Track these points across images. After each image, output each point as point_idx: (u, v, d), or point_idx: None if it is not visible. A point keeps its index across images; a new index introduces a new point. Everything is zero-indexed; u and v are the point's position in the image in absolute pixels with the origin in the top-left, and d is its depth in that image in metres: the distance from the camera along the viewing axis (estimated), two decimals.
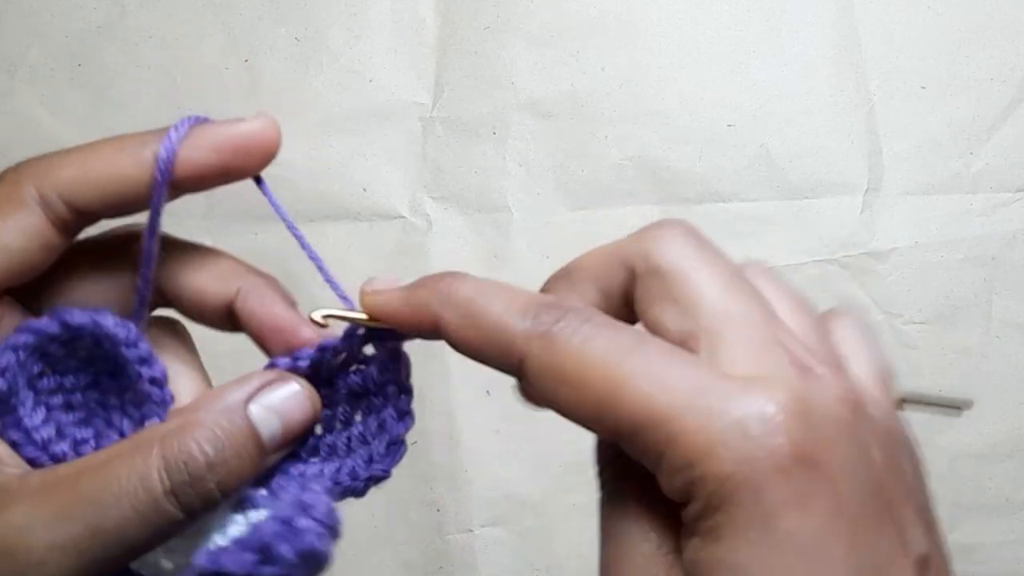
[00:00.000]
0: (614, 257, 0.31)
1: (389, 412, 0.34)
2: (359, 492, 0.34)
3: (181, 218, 0.71)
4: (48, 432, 0.32)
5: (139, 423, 0.33)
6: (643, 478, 0.28)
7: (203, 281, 0.35)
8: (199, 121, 0.33)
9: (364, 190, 0.73)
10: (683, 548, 0.27)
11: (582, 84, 0.73)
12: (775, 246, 0.71)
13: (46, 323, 0.32)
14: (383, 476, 0.34)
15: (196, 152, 0.33)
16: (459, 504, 0.69)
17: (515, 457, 0.68)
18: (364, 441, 0.35)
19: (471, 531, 0.69)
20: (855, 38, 0.72)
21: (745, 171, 0.71)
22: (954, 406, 0.31)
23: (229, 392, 0.32)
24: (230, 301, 0.35)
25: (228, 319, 0.35)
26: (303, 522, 0.30)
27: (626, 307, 0.31)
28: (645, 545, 0.28)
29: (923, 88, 0.72)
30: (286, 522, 0.30)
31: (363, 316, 0.34)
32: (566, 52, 0.73)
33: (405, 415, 0.34)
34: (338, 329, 0.35)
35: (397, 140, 0.73)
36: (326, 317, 0.34)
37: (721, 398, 0.26)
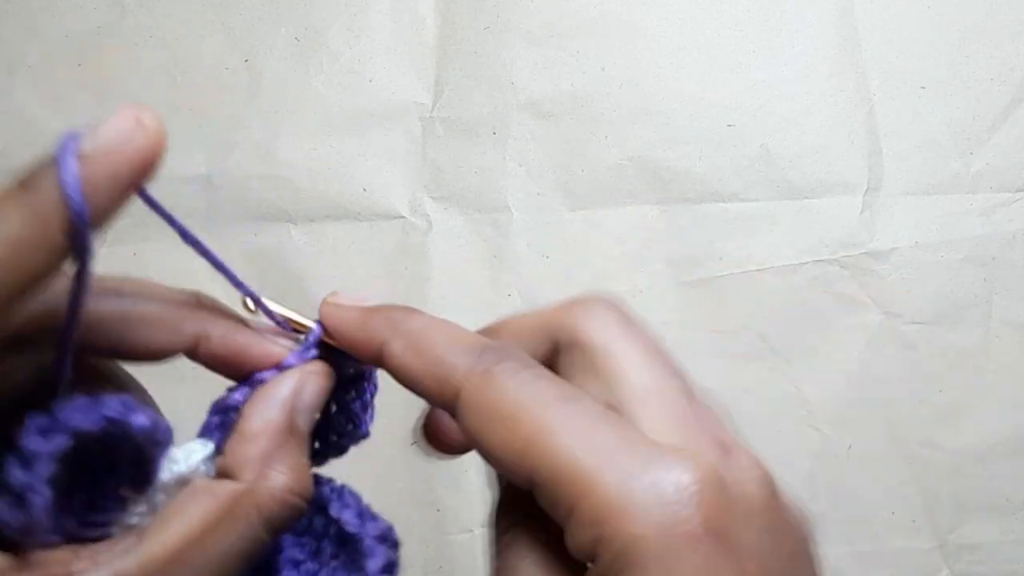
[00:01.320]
0: (539, 326, 0.32)
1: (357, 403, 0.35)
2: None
3: (181, 218, 0.71)
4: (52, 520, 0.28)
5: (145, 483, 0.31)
6: (542, 533, 0.29)
7: (154, 336, 0.31)
8: (69, 140, 0.26)
9: (364, 190, 0.73)
10: None
11: (582, 84, 0.73)
12: (775, 246, 0.71)
13: (83, 419, 0.28)
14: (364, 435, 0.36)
15: (101, 193, 0.26)
16: (459, 504, 0.69)
17: None
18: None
19: (471, 531, 0.69)
20: (855, 38, 0.72)
21: (745, 171, 0.71)
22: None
23: (274, 413, 0.32)
24: (187, 350, 0.32)
25: (188, 356, 0.33)
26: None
27: None
28: None
29: (923, 88, 0.72)
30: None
31: (311, 324, 0.33)
32: (566, 52, 0.73)
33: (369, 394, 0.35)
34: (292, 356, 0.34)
35: (397, 140, 0.73)
36: (285, 319, 0.33)
37: (642, 461, 0.26)
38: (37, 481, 0.26)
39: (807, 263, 0.71)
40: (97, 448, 0.29)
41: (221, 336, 0.32)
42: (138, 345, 0.31)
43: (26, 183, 0.25)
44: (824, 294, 0.70)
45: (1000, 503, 0.69)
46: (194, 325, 0.32)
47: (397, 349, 0.31)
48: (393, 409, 0.69)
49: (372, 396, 0.36)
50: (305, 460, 0.32)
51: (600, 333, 0.30)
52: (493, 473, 0.33)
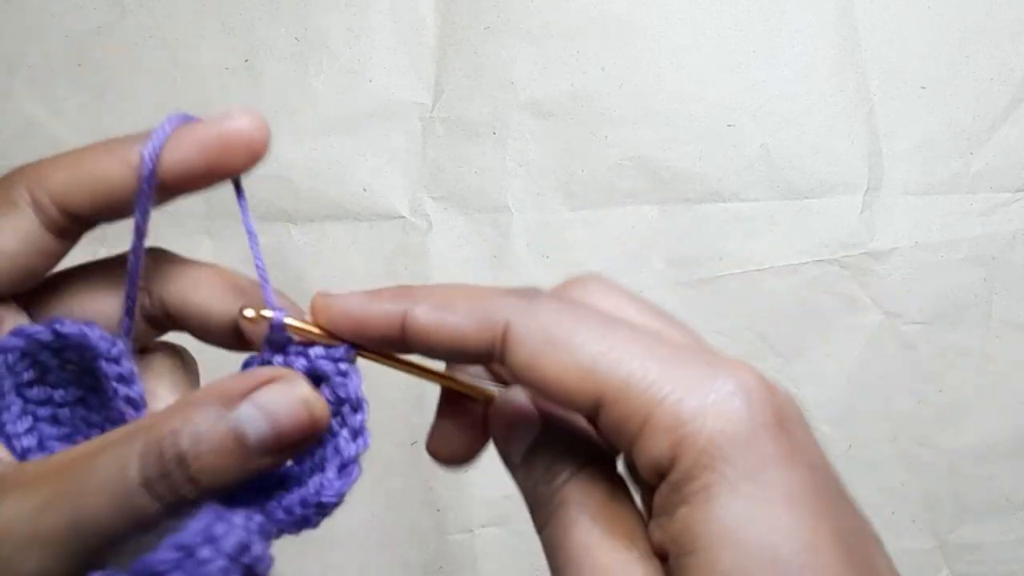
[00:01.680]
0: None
1: (342, 434, 0.32)
2: (311, 523, 0.31)
3: (181, 218, 0.72)
4: (30, 442, 0.32)
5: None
6: (596, 485, 0.30)
7: (207, 299, 0.33)
8: (186, 120, 0.32)
9: (364, 190, 0.73)
10: (663, 524, 0.28)
11: (582, 84, 0.73)
12: (775, 246, 0.71)
13: (37, 329, 0.31)
14: (333, 503, 0.31)
15: (181, 152, 0.31)
16: (459, 504, 0.69)
17: None
18: (319, 468, 0.32)
19: (471, 531, 0.69)
20: (855, 38, 0.72)
21: (745, 171, 0.71)
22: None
23: (228, 384, 0.30)
24: (235, 319, 0.33)
25: (236, 337, 0.33)
26: (205, 552, 0.27)
27: None
28: (610, 543, 0.29)
29: (923, 88, 0.72)
30: (187, 550, 0.27)
31: (315, 329, 0.32)
32: (566, 52, 0.73)
33: (358, 435, 0.32)
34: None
35: (397, 140, 0.73)
36: (288, 326, 0.32)
37: (705, 368, 0.28)
38: None
39: (807, 263, 0.71)
40: (56, 363, 0.32)
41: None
42: (200, 305, 0.33)
43: (128, 138, 0.31)
44: (824, 294, 0.70)
45: (1000, 503, 0.69)
46: (246, 296, 0.33)
47: (423, 311, 0.30)
48: (393, 409, 0.69)
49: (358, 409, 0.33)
50: (223, 455, 0.29)
51: (601, 303, 0.31)
52: (516, 453, 0.32)
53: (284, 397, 0.30)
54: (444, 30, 0.74)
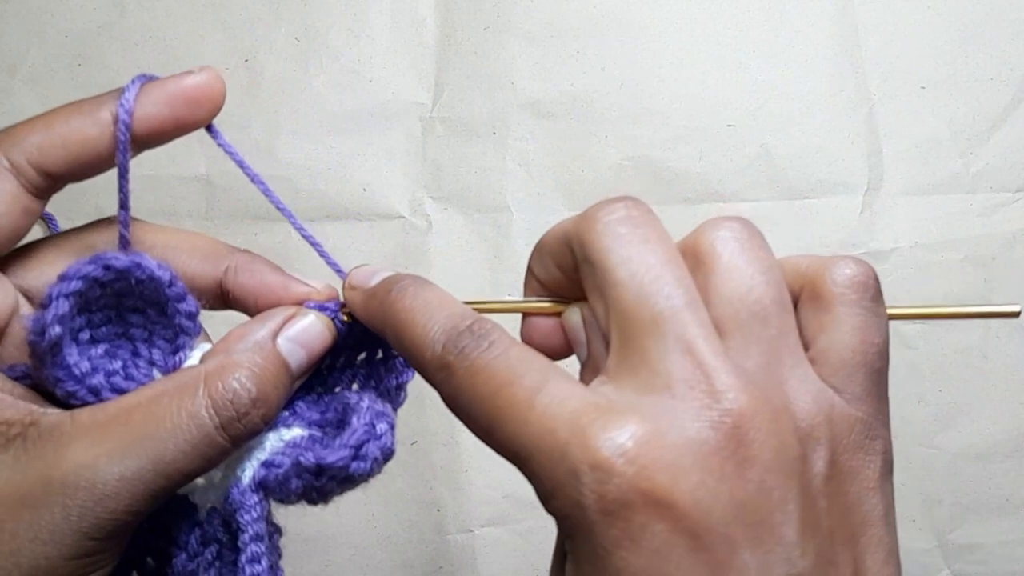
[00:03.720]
0: (563, 238, 0.33)
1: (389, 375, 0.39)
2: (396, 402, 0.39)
3: (181, 218, 0.72)
4: (85, 366, 0.33)
5: (172, 353, 0.36)
6: None
7: (191, 263, 0.37)
8: (149, 79, 0.35)
9: (364, 190, 0.73)
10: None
11: (582, 84, 0.73)
12: (775, 246, 0.70)
13: (92, 268, 0.33)
14: (409, 378, 0.39)
15: (151, 108, 0.34)
16: (459, 504, 0.69)
17: None
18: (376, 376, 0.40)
19: (471, 531, 0.69)
20: (855, 38, 0.72)
21: (745, 171, 0.71)
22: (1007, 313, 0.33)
23: (255, 330, 0.35)
24: (219, 280, 0.37)
25: (219, 297, 0.37)
26: (382, 426, 0.35)
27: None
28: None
29: (923, 88, 0.72)
30: (369, 427, 0.35)
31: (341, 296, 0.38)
32: (566, 52, 0.73)
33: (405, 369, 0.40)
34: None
35: (397, 140, 0.73)
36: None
37: (578, 438, 0.28)
38: (51, 317, 0.31)
39: None
40: (113, 300, 0.34)
41: (247, 268, 0.37)
42: (184, 270, 0.36)
43: (97, 99, 0.34)
44: None
45: (1000, 503, 0.69)
46: (229, 259, 0.37)
47: (390, 336, 0.34)
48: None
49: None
50: (278, 387, 0.34)
51: (604, 250, 0.31)
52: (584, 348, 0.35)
53: (311, 326, 0.36)
54: (444, 30, 0.74)
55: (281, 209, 0.40)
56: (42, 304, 0.32)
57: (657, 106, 0.72)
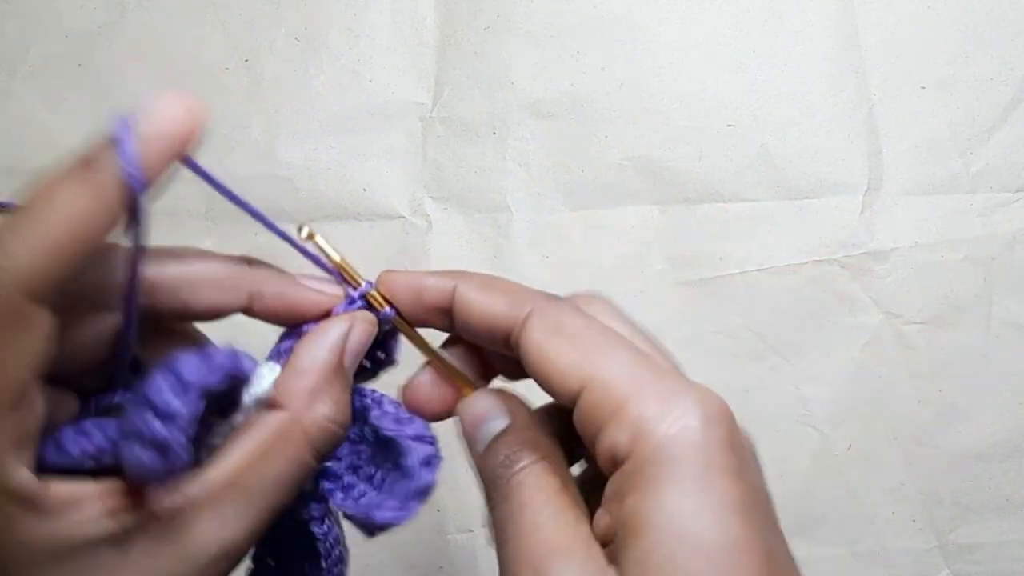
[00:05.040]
0: (504, 327, 0.37)
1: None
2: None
3: (181, 218, 0.72)
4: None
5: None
6: (551, 474, 0.34)
7: (212, 297, 0.36)
8: (126, 124, 0.29)
9: (364, 190, 0.73)
10: (612, 510, 0.31)
11: (582, 84, 0.73)
12: (775, 246, 0.71)
13: (220, 362, 0.32)
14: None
15: (153, 168, 0.30)
16: (459, 504, 0.69)
17: None
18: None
19: (471, 531, 0.69)
20: (855, 38, 0.72)
21: (745, 171, 0.71)
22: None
23: (320, 355, 0.36)
24: (241, 308, 0.37)
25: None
26: (432, 474, 0.39)
27: None
28: (563, 519, 0.33)
29: (923, 88, 0.72)
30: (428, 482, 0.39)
31: (361, 280, 0.39)
32: (566, 52, 0.73)
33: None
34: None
35: (397, 140, 0.73)
36: (337, 266, 0.39)
37: (677, 385, 0.32)
38: (179, 437, 0.29)
39: (807, 263, 0.71)
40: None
41: (274, 292, 0.37)
42: (200, 305, 0.35)
43: (88, 161, 0.28)
44: (824, 294, 0.70)
45: (1000, 503, 0.69)
46: (249, 284, 0.36)
47: (471, 287, 0.37)
48: None
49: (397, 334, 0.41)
50: (347, 395, 0.36)
51: (601, 319, 0.36)
52: (480, 441, 0.38)
53: (363, 335, 0.37)
54: (444, 30, 0.74)
55: (272, 227, 0.38)
56: (157, 414, 0.29)
57: (657, 106, 0.72)
